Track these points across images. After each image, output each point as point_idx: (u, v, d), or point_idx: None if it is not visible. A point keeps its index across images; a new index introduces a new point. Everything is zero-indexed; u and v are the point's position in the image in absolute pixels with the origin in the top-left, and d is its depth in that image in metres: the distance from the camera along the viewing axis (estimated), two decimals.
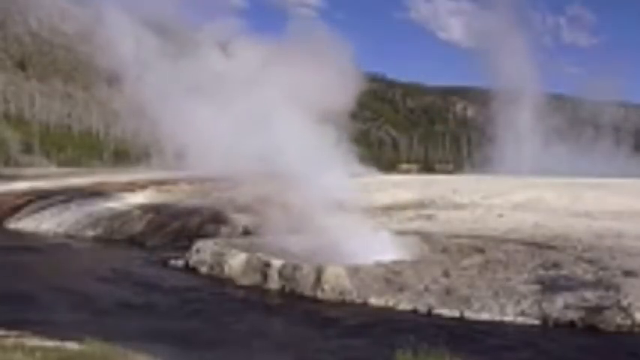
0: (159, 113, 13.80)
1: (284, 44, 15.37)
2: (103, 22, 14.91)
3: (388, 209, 19.03)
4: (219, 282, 12.07)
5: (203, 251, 13.35)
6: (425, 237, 14.07)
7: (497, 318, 9.12)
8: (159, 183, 27.42)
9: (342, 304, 10.24)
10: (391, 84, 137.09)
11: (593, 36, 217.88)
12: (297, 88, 13.12)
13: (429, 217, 17.61)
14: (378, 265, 11.36)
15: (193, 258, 13.43)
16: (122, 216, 20.59)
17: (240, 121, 13.33)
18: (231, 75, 14.00)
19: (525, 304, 9.32)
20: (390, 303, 9.93)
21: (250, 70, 13.96)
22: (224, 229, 18.18)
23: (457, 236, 14.16)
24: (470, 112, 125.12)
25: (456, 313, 9.33)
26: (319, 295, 10.57)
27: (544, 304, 9.21)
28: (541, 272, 10.74)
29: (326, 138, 13.53)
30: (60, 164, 59.35)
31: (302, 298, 10.67)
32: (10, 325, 7.71)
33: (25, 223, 21.47)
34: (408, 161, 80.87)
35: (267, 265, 11.63)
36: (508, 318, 9.10)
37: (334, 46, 14.64)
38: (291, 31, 16.53)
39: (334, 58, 14.06)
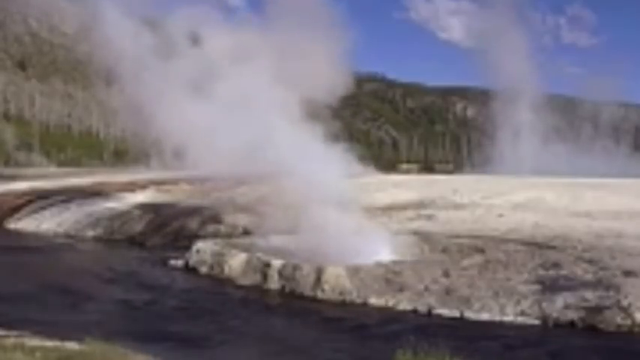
0: (155, 111, 13.77)
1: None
2: (101, 19, 14.86)
3: (388, 209, 19.01)
4: (219, 282, 12.07)
5: (203, 251, 13.33)
6: (425, 237, 14.06)
7: (497, 318, 9.12)
8: (159, 183, 27.44)
9: (342, 304, 10.24)
10: (391, 84, 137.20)
11: (593, 36, 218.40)
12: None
13: (429, 217, 17.60)
14: (378, 265, 11.36)
15: (193, 258, 13.42)
16: (122, 216, 20.60)
17: (231, 116, 13.24)
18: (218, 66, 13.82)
19: (525, 304, 9.31)
20: (390, 303, 9.92)
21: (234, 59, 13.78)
22: (224, 229, 18.17)
23: (457, 236, 14.14)
24: (470, 112, 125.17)
25: (456, 313, 9.32)
26: (319, 295, 10.57)
27: (544, 304, 9.21)
28: (541, 272, 10.73)
29: (324, 137, 13.51)
30: (60, 164, 59.46)
31: (302, 298, 10.67)
32: (10, 325, 7.72)
33: (25, 223, 21.47)
34: (408, 161, 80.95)
35: (267, 265, 11.63)
36: (508, 318, 9.10)
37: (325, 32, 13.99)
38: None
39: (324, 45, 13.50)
